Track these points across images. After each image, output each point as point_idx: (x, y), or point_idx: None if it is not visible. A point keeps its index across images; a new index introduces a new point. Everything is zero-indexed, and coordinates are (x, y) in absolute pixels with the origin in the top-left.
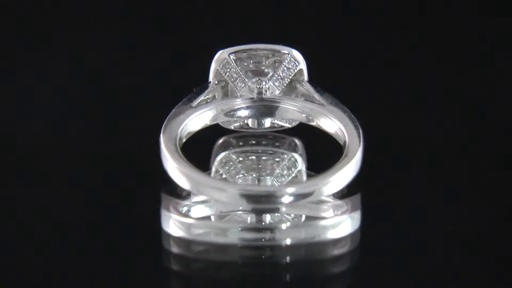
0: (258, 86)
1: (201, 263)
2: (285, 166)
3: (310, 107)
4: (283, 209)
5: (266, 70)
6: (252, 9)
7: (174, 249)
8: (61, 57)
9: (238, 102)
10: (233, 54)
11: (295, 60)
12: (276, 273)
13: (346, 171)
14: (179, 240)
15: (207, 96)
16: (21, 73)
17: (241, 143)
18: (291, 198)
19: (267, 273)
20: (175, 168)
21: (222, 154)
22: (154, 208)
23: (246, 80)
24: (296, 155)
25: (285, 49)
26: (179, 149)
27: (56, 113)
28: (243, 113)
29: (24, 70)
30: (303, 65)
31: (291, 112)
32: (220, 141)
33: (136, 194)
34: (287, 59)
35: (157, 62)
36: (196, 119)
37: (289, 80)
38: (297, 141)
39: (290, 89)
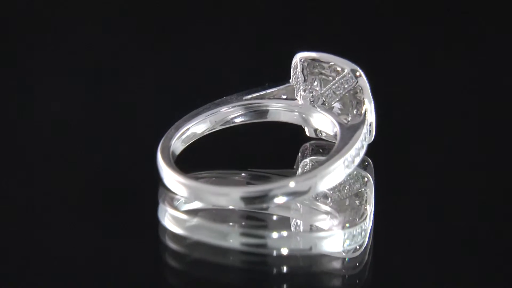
0: (308, 95)
1: (193, 258)
2: (348, 181)
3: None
4: (275, 214)
5: (325, 81)
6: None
7: (170, 243)
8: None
9: (226, 111)
10: (304, 60)
11: (353, 77)
12: (266, 281)
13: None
14: (174, 235)
15: (266, 92)
16: (21, 73)
17: (321, 150)
18: (288, 196)
19: (258, 280)
20: (170, 179)
21: (306, 160)
22: (153, 201)
23: (302, 86)
24: (364, 173)
25: (348, 65)
26: (171, 160)
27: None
28: (238, 119)
29: (23, 70)
30: (363, 84)
31: (283, 113)
32: (303, 146)
33: (137, 188)
34: (344, 75)
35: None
36: (196, 127)
37: (342, 94)
38: (370, 161)
39: (354, 104)
